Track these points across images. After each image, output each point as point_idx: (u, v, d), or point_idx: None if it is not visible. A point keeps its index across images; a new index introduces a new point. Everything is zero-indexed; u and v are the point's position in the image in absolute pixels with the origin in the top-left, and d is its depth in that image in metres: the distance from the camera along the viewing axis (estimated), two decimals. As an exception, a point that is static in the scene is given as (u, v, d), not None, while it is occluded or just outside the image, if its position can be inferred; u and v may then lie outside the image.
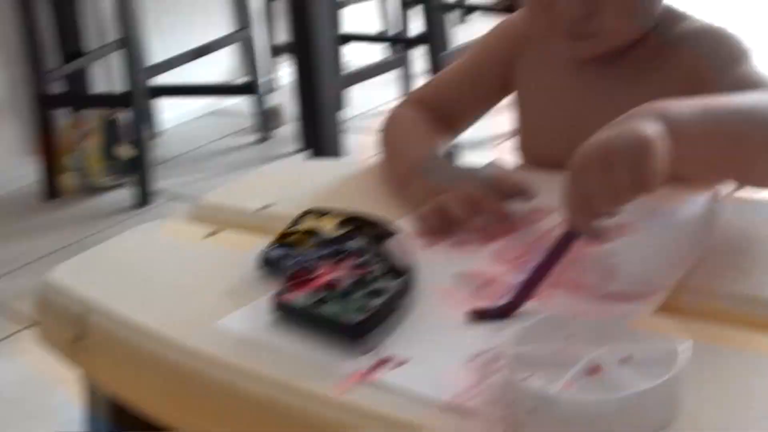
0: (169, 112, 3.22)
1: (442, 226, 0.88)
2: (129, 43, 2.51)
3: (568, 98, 1.05)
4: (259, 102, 2.94)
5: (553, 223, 0.86)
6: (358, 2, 3.47)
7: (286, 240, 0.87)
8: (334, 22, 3.12)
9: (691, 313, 0.71)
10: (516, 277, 0.77)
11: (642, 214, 0.81)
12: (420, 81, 3.15)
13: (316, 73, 2.30)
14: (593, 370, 0.60)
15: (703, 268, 0.76)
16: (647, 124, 0.73)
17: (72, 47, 2.87)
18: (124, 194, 2.65)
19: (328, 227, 0.88)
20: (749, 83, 0.90)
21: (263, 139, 2.95)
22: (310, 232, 0.87)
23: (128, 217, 2.50)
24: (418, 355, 0.69)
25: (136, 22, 2.55)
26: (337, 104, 2.38)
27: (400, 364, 0.68)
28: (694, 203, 0.86)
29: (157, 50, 3.02)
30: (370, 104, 3.14)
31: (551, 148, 1.04)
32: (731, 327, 0.69)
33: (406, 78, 3.09)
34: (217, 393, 0.71)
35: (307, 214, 0.91)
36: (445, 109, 1.12)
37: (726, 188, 0.88)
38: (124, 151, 2.68)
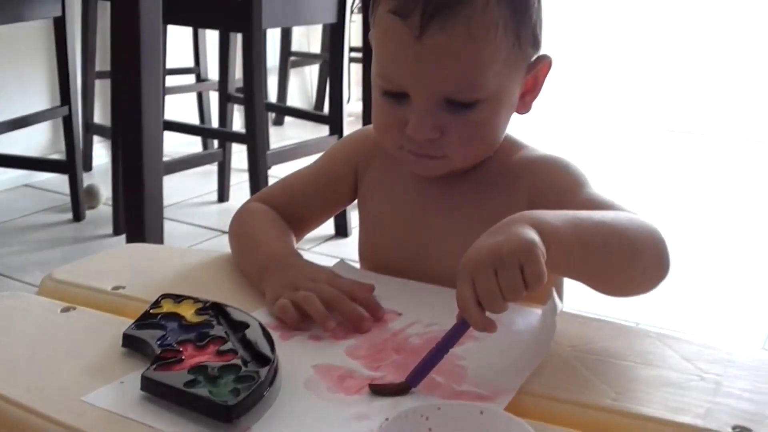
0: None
1: (298, 321, 0.93)
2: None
3: (410, 211, 1.12)
4: (74, 180, 2.91)
5: (399, 326, 0.93)
6: (179, 93, 3.52)
7: (147, 321, 0.90)
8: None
9: (533, 416, 0.78)
10: (368, 371, 0.83)
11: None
12: (238, 176, 3.22)
13: (143, 159, 2.30)
14: (455, 457, 0.66)
15: (541, 375, 0.84)
16: (524, 229, 0.82)
17: None
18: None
19: (189, 313, 0.91)
20: (595, 204, 0.99)
21: (77, 218, 2.92)
22: (171, 316, 0.90)
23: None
24: (285, 438, 0.73)
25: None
26: (161, 194, 2.39)
27: (270, 446, 0.72)
28: (534, 315, 0.94)
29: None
30: (185, 195, 3.17)
31: (391, 257, 1.12)
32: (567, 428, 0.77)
33: (223, 172, 3.13)
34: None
35: (164, 298, 0.94)
36: (293, 210, 1.17)
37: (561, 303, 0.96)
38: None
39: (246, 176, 2.59)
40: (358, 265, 1.15)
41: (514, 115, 1.07)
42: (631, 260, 0.93)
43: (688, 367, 0.87)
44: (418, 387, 0.81)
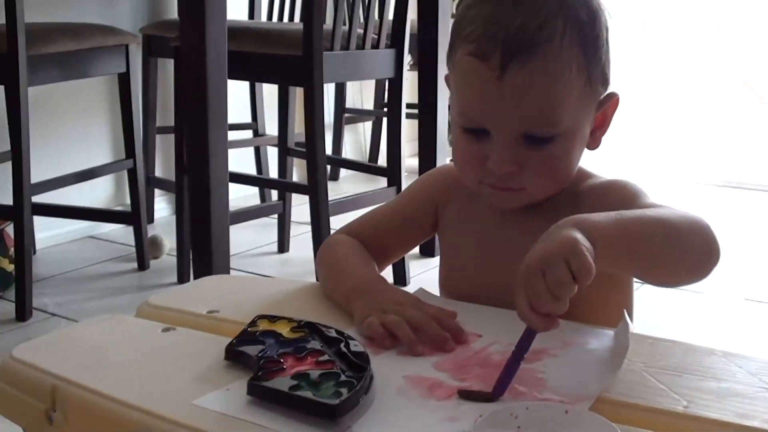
0: (45, 232, 3.24)
1: (386, 339, 1.00)
2: (19, 158, 2.55)
3: (489, 243, 1.18)
4: (139, 231, 3.00)
5: (481, 345, 0.99)
6: (238, 147, 3.62)
7: (246, 338, 0.97)
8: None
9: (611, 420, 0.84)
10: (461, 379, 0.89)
11: (558, 343, 0.99)
12: (296, 229, 3.30)
13: (210, 209, 2.39)
14: (545, 450, 0.72)
15: (617, 386, 0.90)
16: (568, 230, 0.90)
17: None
18: (4, 307, 2.66)
19: (285, 330, 0.98)
20: (647, 207, 1.05)
21: (142, 268, 3.01)
22: (269, 333, 0.97)
23: (7, 330, 2.50)
24: (386, 436, 0.79)
25: (25, 139, 2.60)
26: (227, 244, 2.47)
27: (373, 441, 0.78)
28: (607, 336, 1.01)
29: (40, 170, 3.07)
30: (246, 246, 3.26)
31: (472, 287, 1.18)
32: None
33: (283, 224, 3.21)
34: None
35: (260, 318, 1.01)
36: (376, 243, 1.24)
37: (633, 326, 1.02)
38: (6, 264, 2.69)
39: (304, 228, 2.66)
40: (437, 292, 1.22)
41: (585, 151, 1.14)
42: (676, 248, 1.00)
43: (753, 380, 0.92)
44: (504, 395, 0.87)
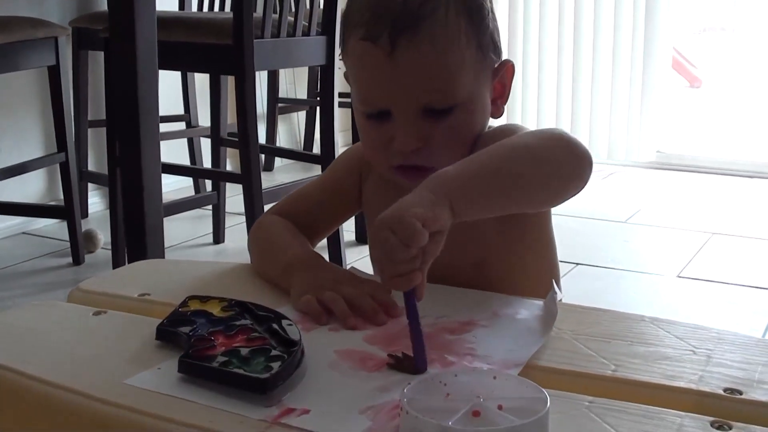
0: (-24, 230, 3.20)
1: (321, 315, 1.01)
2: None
3: None
4: (73, 225, 2.96)
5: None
6: (170, 139, 3.60)
7: (177, 318, 0.96)
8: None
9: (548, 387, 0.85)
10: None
11: (487, 314, 1.01)
12: (231, 219, 3.29)
13: (144, 202, 2.36)
14: (475, 414, 0.73)
15: (545, 353, 0.92)
16: (418, 191, 0.92)
17: None
18: (-70, 307, 2.61)
19: (216, 309, 0.98)
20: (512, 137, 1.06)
21: (77, 262, 2.97)
22: (200, 312, 0.97)
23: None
24: (316, 407, 0.79)
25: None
26: (162, 235, 2.45)
27: (304, 413, 0.78)
28: (536, 306, 1.03)
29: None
30: (182, 238, 3.24)
31: None
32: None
33: (218, 215, 3.19)
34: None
35: (190, 299, 1.01)
36: (305, 220, 1.25)
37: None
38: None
39: (239, 219, 2.65)
40: (371, 271, 1.22)
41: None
42: (534, 169, 1.01)
43: (680, 344, 0.94)
44: (434, 364, 0.88)
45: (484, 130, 1.15)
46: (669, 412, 0.79)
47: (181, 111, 3.75)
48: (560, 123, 4.47)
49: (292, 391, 0.82)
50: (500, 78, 1.15)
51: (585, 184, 1.04)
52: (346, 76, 1.17)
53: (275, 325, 0.92)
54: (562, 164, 1.02)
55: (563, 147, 1.03)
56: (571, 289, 2.69)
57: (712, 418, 0.78)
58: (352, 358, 0.90)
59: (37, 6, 3.30)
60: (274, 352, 0.86)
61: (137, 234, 2.38)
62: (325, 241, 2.67)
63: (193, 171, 3.41)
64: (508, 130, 1.15)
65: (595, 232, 3.29)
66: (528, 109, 4.55)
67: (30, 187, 3.42)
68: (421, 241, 0.87)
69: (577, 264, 2.91)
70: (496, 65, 1.14)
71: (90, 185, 3.56)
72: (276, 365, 0.83)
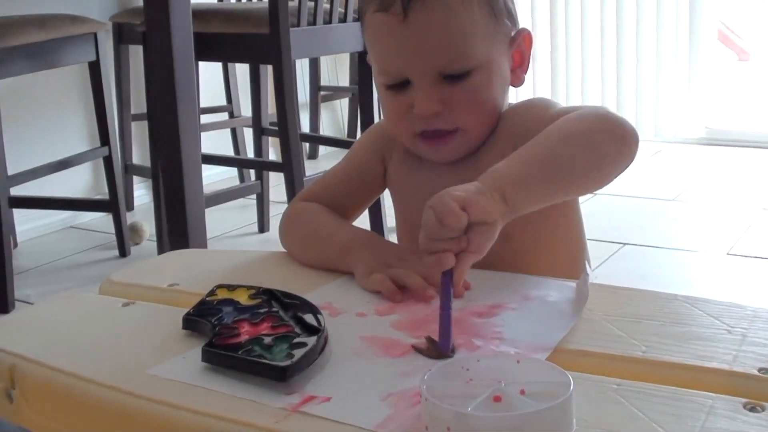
0: (26, 224, 3.23)
1: (395, 292, 1.01)
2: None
3: (430, 190, 1.17)
4: (118, 218, 2.99)
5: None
6: (213, 129, 3.61)
7: (204, 307, 0.96)
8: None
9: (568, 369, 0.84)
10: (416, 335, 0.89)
11: (517, 297, 0.99)
12: (276, 208, 3.30)
13: (184, 193, 2.37)
14: (496, 399, 0.71)
15: (575, 335, 0.90)
16: (459, 185, 0.94)
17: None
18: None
19: (243, 298, 0.98)
20: (559, 116, 1.06)
21: (123, 255, 3.00)
22: (227, 301, 0.97)
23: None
24: (337, 395, 0.78)
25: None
26: (204, 225, 2.46)
27: (325, 401, 0.77)
28: (568, 287, 1.01)
29: (15, 162, 3.07)
30: (226, 228, 3.25)
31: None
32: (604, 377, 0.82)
33: (262, 204, 3.20)
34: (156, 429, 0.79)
35: (219, 288, 1.01)
36: (332, 204, 1.24)
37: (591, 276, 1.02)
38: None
39: (283, 208, 2.63)
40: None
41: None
42: (585, 154, 1.01)
43: (715, 323, 0.92)
44: (460, 349, 0.87)
45: (504, 98, 1.15)
46: (700, 394, 0.77)
47: (223, 102, 3.76)
48: (605, 101, 4.42)
49: (315, 378, 0.82)
50: (518, 47, 1.15)
51: (632, 162, 1.04)
52: (368, 60, 1.16)
53: (300, 312, 0.92)
54: (610, 147, 1.02)
55: (610, 128, 1.03)
56: (617, 269, 2.70)
57: (745, 400, 0.75)
58: (377, 344, 0.89)
59: (77, 2, 3.32)
60: (297, 340, 0.85)
61: (179, 224, 2.39)
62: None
63: (234, 161, 3.41)
64: (539, 105, 1.15)
65: (643, 211, 3.24)
66: (572, 86, 4.51)
67: (77, 182, 3.45)
68: (455, 222, 0.89)
69: (624, 244, 2.87)
70: (512, 33, 1.14)
71: (135, 178, 3.59)
72: (298, 353, 0.82)
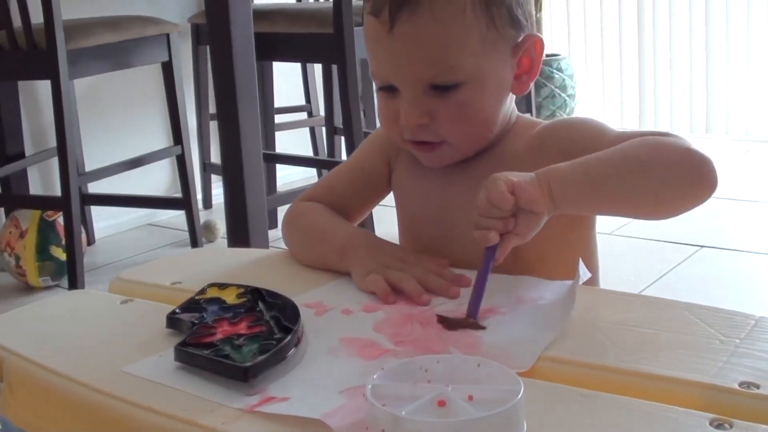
0: (105, 221, 3.31)
1: (390, 294, 1.01)
2: (63, 149, 2.60)
3: (435, 195, 1.17)
4: (191, 216, 3.04)
5: (429, 306, 0.99)
6: (292, 128, 3.65)
7: (191, 305, 0.97)
8: (268, 143, 3.27)
9: (542, 378, 0.82)
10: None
11: (510, 300, 0.97)
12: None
13: (245, 190, 2.40)
14: (440, 403, 0.70)
15: (559, 342, 0.87)
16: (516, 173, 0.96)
17: (13, 150, 2.98)
18: (58, 296, 2.73)
19: (230, 297, 0.98)
20: (620, 140, 1.03)
21: (195, 252, 3.05)
22: (214, 300, 0.97)
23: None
24: (296, 394, 0.78)
25: (72, 130, 2.66)
26: (265, 223, 2.48)
27: (282, 400, 0.77)
28: (564, 288, 0.98)
29: (91, 158, 3.15)
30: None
31: (424, 239, 1.18)
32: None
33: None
34: (118, 428, 0.80)
35: (211, 286, 1.01)
36: (336, 206, 1.23)
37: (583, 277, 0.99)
38: (60, 253, 2.76)
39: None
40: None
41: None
42: (648, 180, 0.98)
43: (709, 332, 0.88)
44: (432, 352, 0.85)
45: (501, 107, 1.11)
46: (667, 408, 0.74)
47: (302, 102, 3.79)
48: (694, 100, 4.31)
49: (282, 379, 0.81)
50: (525, 52, 1.10)
51: (702, 203, 1.01)
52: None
53: (281, 312, 0.91)
54: (681, 184, 0.99)
55: (692, 167, 0.99)
56: (689, 274, 2.62)
57: (712, 416, 0.72)
58: (354, 345, 0.88)
59: (156, 4, 3.39)
60: (269, 340, 0.85)
61: (240, 222, 2.42)
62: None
63: (302, 160, 3.43)
64: (592, 124, 1.11)
65: (725, 213, 3.13)
66: (660, 86, 4.41)
67: (158, 180, 3.52)
68: (502, 203, 0.93)
69: (701, 246, 2.79)
70: (518, 40, 1.09)
71: (213, 177, 3.64)
72: (264, 353, 0.82)
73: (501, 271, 1.04)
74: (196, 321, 0.91)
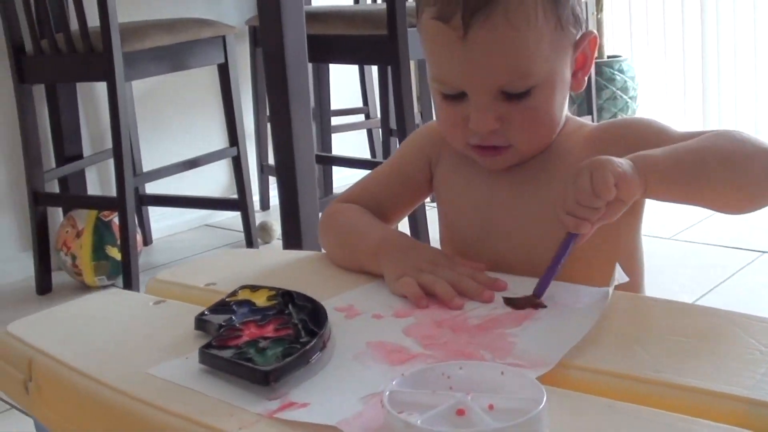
0: (162, 221, 3.34)
1: (422, 297, 0.99)
2: (119, 150, 2.63)
3: (481, 198, 1.15)
4: (247, 217, 3.05)
5: (461, 311, 0.96)
6: (349, 131, 3.65)
7: (220, 307, 0.96)
8: (324, 145, 3.27)
9: (570, 387, 0.79)
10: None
11: (549, 305, 0.95)
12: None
13: (297, 192, 2.40)
14: (459, 412, 0.68)
15: (588, 349, 0.85)
16: (618, 159, 0.94)
17: (71, 151, 3.02)
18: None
19: (261, 299, 0.97)
20: (691, 137, 1.03)
21: (250, 253, 3.06)
22: (244, 302, 0.97)
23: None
24: (317, 400, 0.77)
25: (129, 131, 2.69)
26: (317, 225, 2.47)
27: (302, 406, 0.76)
28: (592, 295, 0.96)
29: (150, 159, 3.18)
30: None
31: (468, 242, 1.16)
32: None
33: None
34: (136, 429, 0.79)
35: (243, 288, 1.01)
36: (375, 208, 1.22)
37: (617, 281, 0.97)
38: (116, 253, 2.79)
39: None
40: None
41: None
42: (734, 173, 0.99)
43: (750, 343, 0.85)
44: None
45: (564, 108, 1.10)
46: (698, 422, 0.71)
47: (360, 104, 3.79)
48: (759, 102, 4.22)
49: (304, 384, 0.80)
50: (582, 50, 1.08)
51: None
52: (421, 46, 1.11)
53: (309, 316, 0.90)
54: (762, 177, 1.00)
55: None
56: (749, 282, 2.56)
57: (746, 431, 0.69)
58: (381, 350, 0.87)
59: (215, 7, 3.42)
60: (294, 344, 0.84)
61: (293, 224, 2.42)
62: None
63: (356, 162, 3.41)
64: (648, 125, 1.10)
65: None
66: (723, 87, 4.33)
67: (214, 181, 3.55)
68: (606, 194, 0.92)
69: (763, 252, 2.73)
70: (578, 37, 1.07)
71: (271, 178, 3.65)
72: (288, 357, 0.81)
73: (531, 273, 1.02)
74: (224, 323, 0.91)
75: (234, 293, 0.99)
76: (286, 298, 0.96)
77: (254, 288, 1.00)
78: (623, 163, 0.94)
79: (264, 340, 0.85)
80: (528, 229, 1.10)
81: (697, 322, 0.91)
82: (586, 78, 1.12)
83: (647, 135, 1.07)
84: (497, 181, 1.13)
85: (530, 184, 1.11)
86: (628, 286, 0.98)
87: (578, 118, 1.15)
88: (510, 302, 0.96)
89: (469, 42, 1.00)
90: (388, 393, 0.69)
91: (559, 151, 1.11)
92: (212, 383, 0.82)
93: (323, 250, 1.20)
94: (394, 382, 0.71)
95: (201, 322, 0.94)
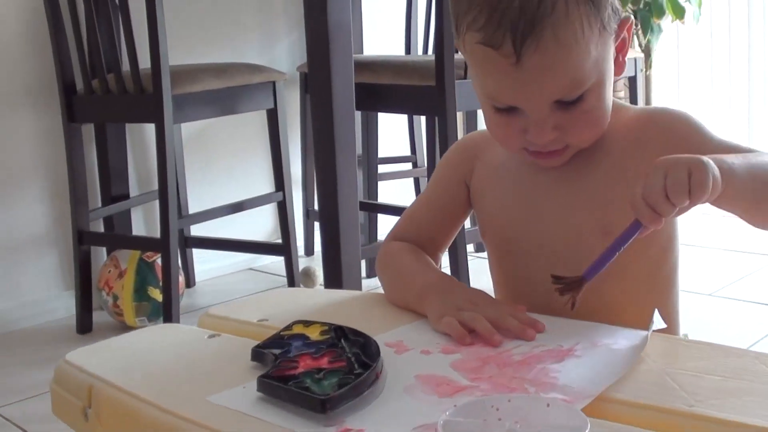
0: (207, 264, 3.40)
1: (465, 335, 1.03)
2: (164, 191, 2.68)
3: (522, 188, 1.19)
4: (290, 262, 3.09)
5: (507, 346, 1.01)
6: (396, 178, 3.69)
7: (275, 340, 1.00)
8: (370, 192, 3.32)
9: (612, 419, 0.83)
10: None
11: (586, 344, 0.99)
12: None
13: (339, 240, 2.43)
14: (508, 440, 0.72)
15: (627, 385, 0.89)
16: (703, 157, 0.95)
17: (118, 191, 3.09)
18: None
19: (314, 333, 1.01)
20: (732, 149, 1.08)
21: (292, 298, 3.09)
22: (298, 336, 1.01)
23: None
24: (372, 428, 0.81)
25: (176, 172, 2.73)
26: (359, 272, 2.50)
27: (357, 432, 0.80)
28: (630, 337, 1.00)
29: (196, 201, 3.24)
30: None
31: (511, 238, 1.20)
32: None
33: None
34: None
35: (296, 323, 1.05)
36: (423, 238, 1.27)
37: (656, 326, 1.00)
38: (158, 294, 2.84)
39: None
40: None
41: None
42: None
43: (786, 382, 0.88)
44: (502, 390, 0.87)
45: (611, 97, 1.12)
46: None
47: (408, 152, 3.84)
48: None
49: (359, 413, 0.84)
50: (620, 36, 1.11)
51: None
52: (464, 57, 1.13)
53: (362, 349, 0.94)
54: None
55: None
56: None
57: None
58: (430, 383, 0.91)
59: (267, 52, 3.50)
60: (348, 375, 0.88)
61: (334, 270, 2.45)
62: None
63: (398, 210, 3.44)
64: (682, 119, 1.14)
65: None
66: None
67: (260, 225, 3.60)
68: (701, 199, 0.94)
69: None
70: (616, 28, 1.10)
71: (316, 224, 3.70)
72: (343, 386, 0.85)
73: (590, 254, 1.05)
74: (280, 355, 0.95)
75: (288, 327, 1.03)
76: (339, 332, 1.00)
77: (307, 323, 1.04)
78: (715, 167, 0.95)
79: (319, 371, 0.89)
80: (573, 214, 1.13)
81: (727, 361, 0.94)
82: (625, 57, 1.14)
83: (686, 131, 1.12)
84: (540, 179, 1.17)
85: (573, 171, 1.14)
86: (666, 332, 1.01)
87: (615, 99, 1.16)
88: (557, 280, 1.00)
89: (522, 67, 1.02)
90: (442, 422, 0.72)
91: (608, 139, 1.14)
92: (270, 410, 0.86)
93: (370, 290, 1.24)
94: (447, 413, 0.75)
95: (257, 354, 0.98)
